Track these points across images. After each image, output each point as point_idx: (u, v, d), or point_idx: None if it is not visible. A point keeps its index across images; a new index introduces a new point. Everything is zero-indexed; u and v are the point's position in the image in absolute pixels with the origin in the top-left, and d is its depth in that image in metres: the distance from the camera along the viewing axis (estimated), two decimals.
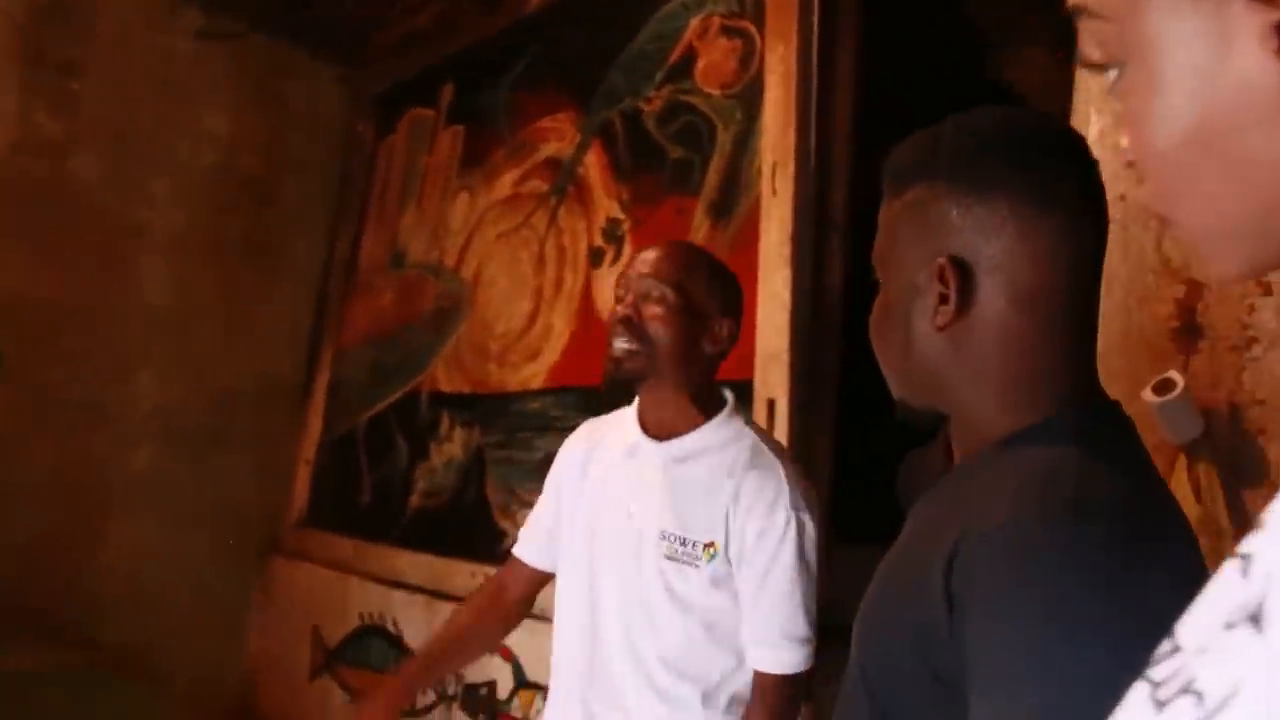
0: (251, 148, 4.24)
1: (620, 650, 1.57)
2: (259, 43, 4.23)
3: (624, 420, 1.70)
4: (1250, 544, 0.37)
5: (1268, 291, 1.50)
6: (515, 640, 2.91)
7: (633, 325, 1.55)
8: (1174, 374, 1.50)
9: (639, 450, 1.63)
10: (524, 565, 1.84)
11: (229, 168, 4.17)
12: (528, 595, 1.88)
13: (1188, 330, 1.58)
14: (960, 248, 0.83)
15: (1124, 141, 0.54)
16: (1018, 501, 0.72)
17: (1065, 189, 0.82)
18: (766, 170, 2.47)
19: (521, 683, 2.86)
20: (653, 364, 1.56)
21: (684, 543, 1.54)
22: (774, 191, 2.42)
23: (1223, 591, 0.38)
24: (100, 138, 3.77)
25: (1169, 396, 1.48)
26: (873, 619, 0.87)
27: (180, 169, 4.01)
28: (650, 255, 1.61)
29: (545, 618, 2.83)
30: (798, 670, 1.52)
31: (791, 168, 2.39)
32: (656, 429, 1.63)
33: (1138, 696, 0.39)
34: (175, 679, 3.74)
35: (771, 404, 2.30)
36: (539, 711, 2.80)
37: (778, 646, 1.52)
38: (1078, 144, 0.85)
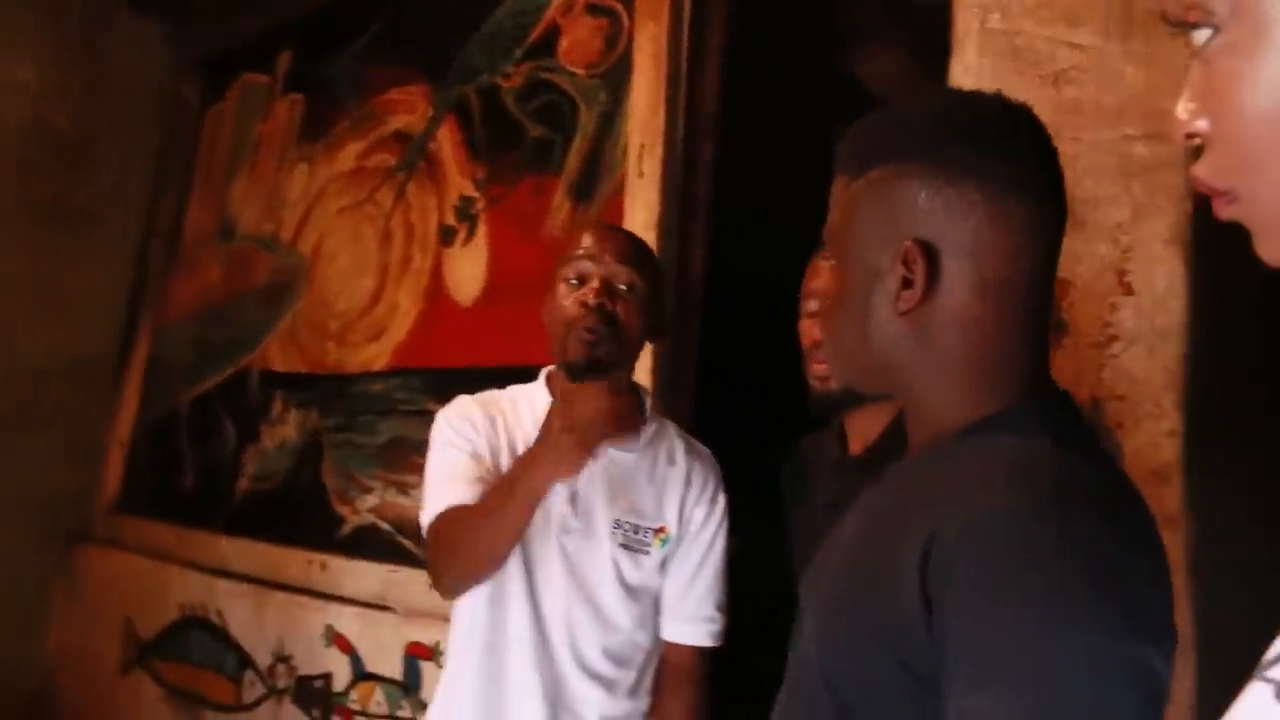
0: (63, 104, 3.92)
1: (564, 639, 1.54)
2: None
3: (534, 407, 1.61)
4: None
5: (1129, 291, 1.57)
6: (354, 631, 2.81)
7: (606, 313, 1.52)
8: None
9: None
10: None
11: (37, 124, 3.83)
12: None
13: (1052, 326, 1.64)
14: (927, 231, 0.81)
15: (1182, 109, 0.52)
16: (996, 493, 0.71)
17: (1033, 176, 0.82)
18: (633, 152, 2.43)
19: (361, 675, 2.75)
20: (626, 353, 1.57)
21: (636, 530, 1.57)
22: (640, 174, 2.38)
23: None
24: None
25: None
26: (829, 612, 0.85)
27: None
28: (613, 241, 1.59)
29: (383, 607, 2.74)
30: (720, 641, 1.62)
31: (660, 150, 2.36)
32: None
33: (1258, 697, 0.37)
34: None
35: None
36: (379, 703, 2.70)
37: (714, 620, 1.61)
38: (1042, 131, 0.85)
